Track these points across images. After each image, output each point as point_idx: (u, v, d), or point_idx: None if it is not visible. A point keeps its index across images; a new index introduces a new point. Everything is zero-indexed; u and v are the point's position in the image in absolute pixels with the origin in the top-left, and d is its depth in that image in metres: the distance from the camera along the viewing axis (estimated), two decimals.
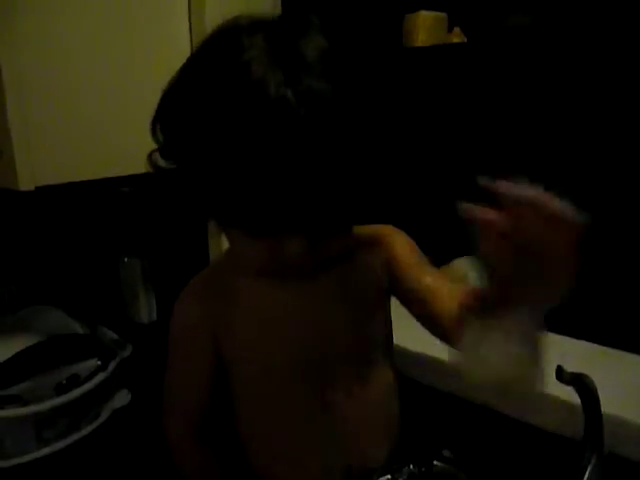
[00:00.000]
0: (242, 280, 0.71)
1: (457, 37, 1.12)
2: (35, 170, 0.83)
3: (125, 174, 0.87)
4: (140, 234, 1.27)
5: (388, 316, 0.76)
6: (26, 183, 0.82)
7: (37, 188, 0.83)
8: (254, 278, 0.69)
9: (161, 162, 0.62)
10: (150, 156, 0.62)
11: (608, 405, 0.64)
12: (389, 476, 0.65)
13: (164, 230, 1.22)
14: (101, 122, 0.90)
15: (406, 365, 0.86)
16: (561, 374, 0.58)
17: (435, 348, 0.80)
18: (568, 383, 0.59)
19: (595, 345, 0.85)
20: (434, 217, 1.22)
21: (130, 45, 0.91)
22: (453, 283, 0.71)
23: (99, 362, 1.07)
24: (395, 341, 0.78)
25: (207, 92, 0.54)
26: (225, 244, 0.71)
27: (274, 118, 0.50)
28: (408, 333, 0.82)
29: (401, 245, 0.74)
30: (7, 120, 0.79)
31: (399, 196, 1.23)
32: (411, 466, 0.65)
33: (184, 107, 0.57)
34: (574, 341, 0.87)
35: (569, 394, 0.70)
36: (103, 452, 1.00)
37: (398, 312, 0.75)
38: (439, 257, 1.13)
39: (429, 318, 0.69)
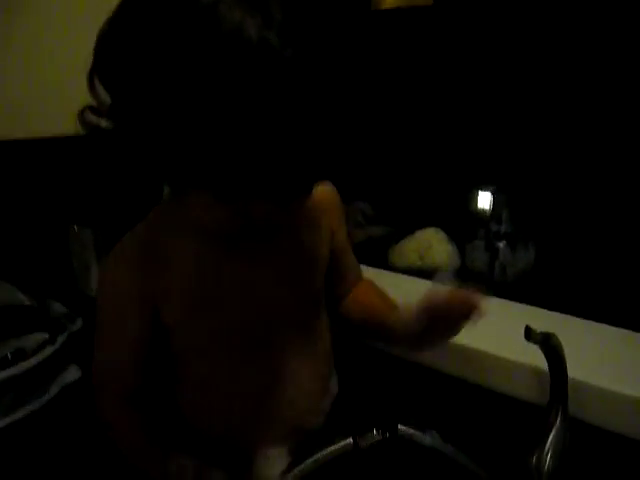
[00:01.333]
0: (182, 242, 0.66)
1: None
2: None
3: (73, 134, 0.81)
4: (91, 201, 1.22)
5: (323, 277, 0.76)
6: None
7: None
8: (196, 240, 0.65)
9: (100, 121, 0.55)
10: (83, 115, 0.55)
11: (571, 371, 0.63)
12: (351, 440, 0.63)
13: (117, 197, 1.17)
14: (48, 80, 0.85)
15: None
16: (530, 334, 0.57)
17: None
18: (536, 342, 0.57)
19: (558, 313, 0.85)
20: (400, 185, 1.21)
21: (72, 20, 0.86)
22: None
23: (47, 336, 1.01)
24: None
25: (167, 33, 0.47)
26: None
27: (257, 63, 0.45)
28: None
29: (340, 219, 0.78)
30: None
31: (365, 162, 1.21)
32: (374, 431, 0.63)
33: (135, 52, 0.49)
34: (537, 309, 0.86)
35: (533, 358, 0.70)
36: (52, 429, 0.96)
37: None
38: (406, 225, 1.14)
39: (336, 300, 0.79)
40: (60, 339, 1.02)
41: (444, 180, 1.16)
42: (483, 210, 1.10)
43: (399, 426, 0.63)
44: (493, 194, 1.06)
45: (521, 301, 0.92)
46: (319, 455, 0.62)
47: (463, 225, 1.08)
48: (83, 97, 0.57)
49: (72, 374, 1.04)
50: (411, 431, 0.62)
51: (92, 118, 0.55)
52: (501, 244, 1.01)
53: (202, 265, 0.66)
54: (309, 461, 0.62)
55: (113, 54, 0.51)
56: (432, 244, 1.02)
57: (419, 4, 1.09)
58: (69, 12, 0.88)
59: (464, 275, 1.04)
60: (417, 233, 1.07)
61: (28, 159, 1.17)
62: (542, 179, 1.07)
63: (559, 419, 0.64)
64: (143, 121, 0.51)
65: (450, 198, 1.14)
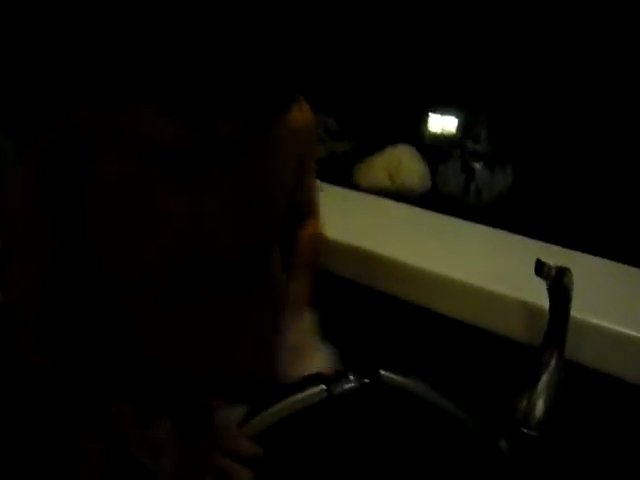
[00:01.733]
0: (113, 153, 0.54)
1: None
2: None
3: None
4: (9, 104, 1.04)
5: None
6: None
7: None
8: (132, 154, 0.54)
9: None
10: None
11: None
12: (323, 386, 0.54)
13: (39, 98, 1.01)
14: None
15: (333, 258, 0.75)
16: (542, 268, 0.49)
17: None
18: (548, 278, 0.49)
19: (549, 244, 0.78)
20: (367, 97, 1.10)
21: None
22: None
23: None
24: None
25: None
26: None
27: None
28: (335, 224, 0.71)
29: (313, 148, 0.71)
30: None
31: (328, 71, 1.09)
32: (351, 376, 0.54)
33: None
34: (528, 240, 0.79)
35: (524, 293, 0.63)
36: None
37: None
38: (373, 141, 1.03)
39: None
40: None
41: (415, 93, 1.04)
42: (457, 128, 1.01)
43: (381, 371, 0.54)
44: (470, 111, 0.97)
45: (497, 227, 0.84)
46: (283, 404, 0.54)
47: (434, 143, 0.98)
48: None
49: None
50: (393, 377, 0.54)
51: None
52: (478, 165, 0.92)
53: (134, 185, 0.54)
54: (271, 410, 0.53)
55: None
56: (403, 162, 0.92)
57: None
58: None
59: (435, 197, 0.96)
60: (387, 149, 0.96)
61: None
62: (521, 97, 0.97)
63: (554, 360, 0.57)
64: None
65: (422, 113, 1.03)
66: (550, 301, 0.54)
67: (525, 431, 0.58)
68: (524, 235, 0.82)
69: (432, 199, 0.96)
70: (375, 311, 0.73)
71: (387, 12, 1.06)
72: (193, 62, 0.47)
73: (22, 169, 0.57)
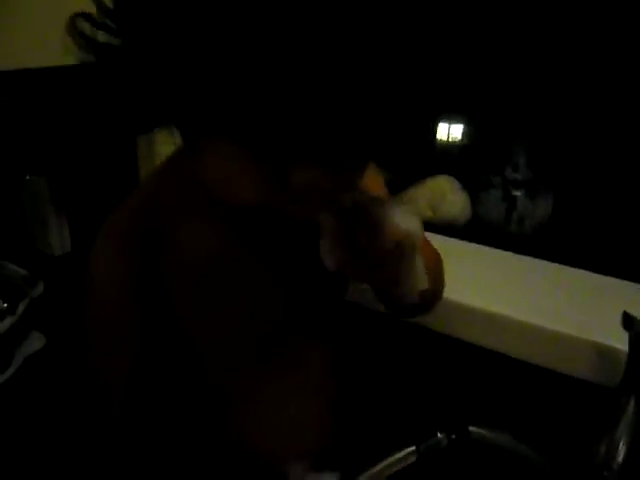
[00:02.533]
0: (192, 227, 0.53)
1: None
2: None
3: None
4: (43, 148, 1.07)
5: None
6: None
7: None
8: (211, 224, 0.53)
9: (102, 37, 0.43)
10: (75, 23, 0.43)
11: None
12: (413, 447, 0.54)
13: (72, 142, 1.03)
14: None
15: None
16: (630, 322, 0.49)
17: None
18: (635, 331, 0.50)
19: (586, 272, 0.78)
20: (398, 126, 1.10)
21: None
22: None
23: (5, 305, 0.91)
24: None
25: None
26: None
27: None
28: None
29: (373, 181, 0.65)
30: None
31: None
32: (439, 434, 0.55)
33: None
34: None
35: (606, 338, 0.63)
36: (18, 401, 0.89)
37: None
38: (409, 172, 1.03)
39: None
40: (21, 307, 0.92)
41: (457, 122, 1.05)
42: (498, 156, 1.01)
43: (470, 427, 0.55)
44: (510, 141, 0.97)
45: (539, 256, 0.85)
46: (377, 468, 0.54)
47: (476, 172, 0.99)
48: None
49: (35, 343, 0.96)
50: (486, 432, 0.54)
51: (86, 27, 0.42)
52: (519, 193, 0.93)
53: (214, 250, 0.53)
54: (366, 475, 0.53)
55: None
56: (446, 194, 0.92)
57: None
58: None
59: (476, 227, 0.96)
60: (428, 181, 0.96)
61: None
62: (559, 125, 0.98)
63: (632, 404, 0.57)
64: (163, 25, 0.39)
65: (462, 144, 1.04)
66: (630, 349, 0.54)
67: (606, 475, 0.58)
68: (569, 264, 0.82)
69: (473, 229, 0.97)
70: (440, 354, 0.74)
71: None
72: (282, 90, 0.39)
73: (100, 252, 0.53)
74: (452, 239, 0.91)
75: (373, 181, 0.64)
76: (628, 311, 0.49)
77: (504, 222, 0.93)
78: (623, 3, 0.89)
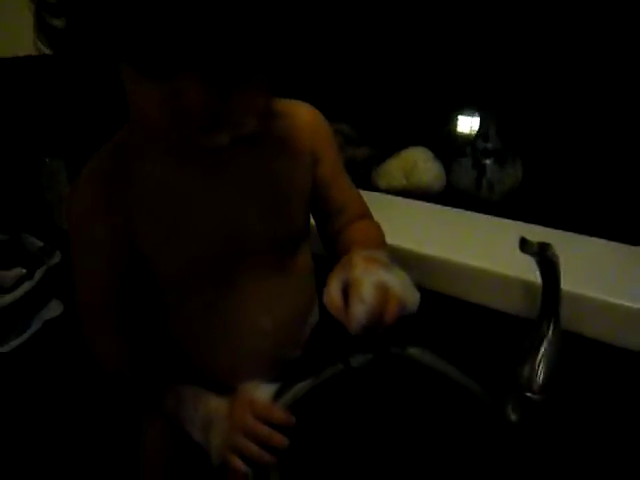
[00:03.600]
0: (146, 164, 0.62)
1: None
2: None
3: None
4: (62, 132, 1.16)
5: (307, 210, 0.72)
6: None
7: None
8: (159, 159, 0.62)
9: (56, 22, 0.52)
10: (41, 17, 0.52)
11: (565, 283, 0.62)
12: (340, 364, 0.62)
13: (88, 127, 1.12)
14: None
15: None
16: (525, 245, 0.55)
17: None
18: (532, 253, 0.56)
19: (551, 229, 0.84)
20: (382, 104, 1.17)
21: None
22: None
23: (24, 270, 0.99)
24: None
25: None
26: None
27: None
28: None
29: (327, 146, 0.72)
30: None
31: (345, 81, 1.17)
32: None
33: None
34: (531, 226, 0.85)
35: (524, 272, 0.69)
36: (35, 364, 0.95)
37: None
38: (390, 145, 1.10)
39: (326, 237, 0.76)
40: (38, 274, 1.00)
41: (428, 98, 1.12)
42: (469, 128, 1.07)
43: (392, 348, 0.62)
44: (479, 111, 1.03)
45: (509, 218, 0.90)
46: (310, 380, 0.61)
47: (449, 144, 1.05)
48: None
49: (54, 309, 1.04)
50: (408, 350, 0.61)
51: (51, 20, 0.52)
52: (488, 161, 0.98)
53: (167, 186, 0.62)
54: (300, 385, 0.61)
55: None
56: (417, 163, 0.99)
57: None
58: None
59: (450, 194, 1.02)
60: (402, 152, 1.03)
61: None
62: (527, 94, 1.03)
63: (551, 330, 0.63)
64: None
65: (435, 117, 1.10)
66: (541, 275, 0.60)
67: (529, 395, 0.64)
68: (534, 223, 0.88)
69: (448, 196, 1.03)
70: None
71: (395, 19, 1.14)
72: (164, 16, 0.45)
73: (79, 190, 0.64)
74: (427, 204, 0.98)
75: (331, 148, 0.72)
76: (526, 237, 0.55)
77: (475, 189, 0.99)
78: None
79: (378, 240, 0.73)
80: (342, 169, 0.74)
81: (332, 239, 0.75)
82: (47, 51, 0.56)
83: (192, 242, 0.63)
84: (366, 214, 0.76)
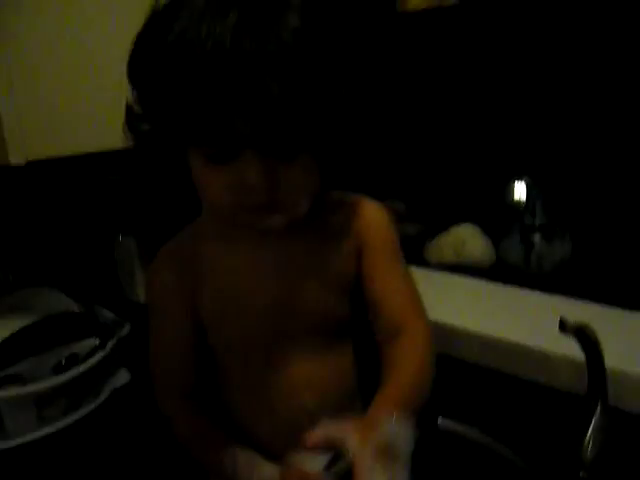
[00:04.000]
0: (207, 246, 0.72)
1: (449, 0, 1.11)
2: (26, 143, 0.81)
3: (118, 147, 0.85)
4: (135, 212, 1.26)
5: (351, 297, 0.73)
6: (17, 157, 0.81)
7: (28, 162, 0.82)
8: (220, 241, 0.71)
9: (142, 126, 0.63)
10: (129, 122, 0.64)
11: (610, 360, 0.64)
12: None
13: (159, 208, 1.21)
14: (93, 96, 0.88)
15: None
16: (565, 325, 0.58)
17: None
18: (571, 333, 0.58)
19: (594, 304, 0.85)
20: (432, 182, 1.22)
21: (114, 26, 0.89)
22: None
23: (97, 341, 1.06)
24: None
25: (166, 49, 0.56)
26: None
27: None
28: None
29: (377, 233, 0.72)
30: None
31: (397, 160, 1.23)
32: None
33: (147, 57, 0.59)
34: (574, 301, 0.87)
35: (572, 349, 0.70)
36: (104, 431, 0.99)
37: None
38: (440, 221, 1.15)
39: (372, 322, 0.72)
40: (110, 344, 1.06)
41: (476, 175, 1.17)
42: (517, 202, 1.10)
43: (439, 419, 0.64)
44: (526, 186, 1.07)
45: (558, 293, 0.92)
46: None
47: (497, 219, 1.08)
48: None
49: (122, 378, 1.09)
50: (452, 424, 0.63)
51: (136, 123, 0.63)
52: (536, 236, 1.01)
53: (224, 264, 0.70)
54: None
55: (136, 66, 0.61)
56: (466, 239, 1.03)
57: (445, 4, 1.10)
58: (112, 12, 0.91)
59: (500, 270, 1.05)
60: (452, 229, 1.08)
61: (76, 173, 1.21)
62: (575, 169, 1.06)
63: (599, 409, 0.64)
64: (154, 103, 0.60)
65: (483, 192, 1.15)
66: (584, 354, 0.62)
67: (579, 474, 0.65)
68: (584, 299, 0.89)
69: (498, 271, 1.05)
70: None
71: (445, 102, 1.20)
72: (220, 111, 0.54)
73: (157, 268, 0.74)
74: (476, 279, 1.01)
75: (381, 238, 0.73)
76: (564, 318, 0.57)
77: (524, 264, 1.02)
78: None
79: (409, 381, 0.66)
80: (394, 268, 0.73)
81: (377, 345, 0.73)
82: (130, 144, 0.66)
83: (244, 317, 0.70)
84: (407, 322, 0.70)
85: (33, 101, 0.83)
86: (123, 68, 0.62)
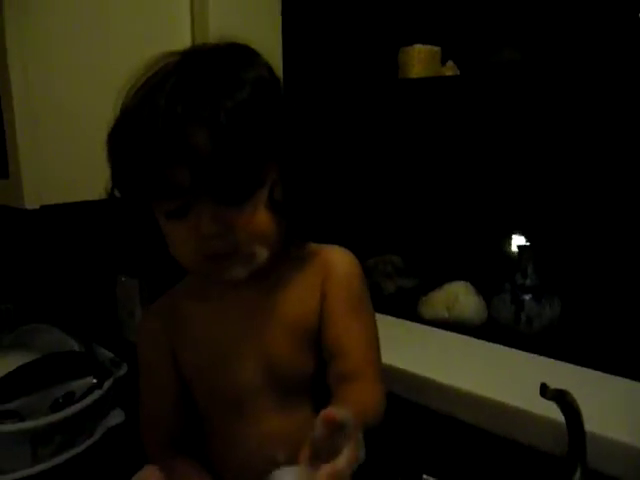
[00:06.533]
0: (184, 302, 0.77)
1: (450, 70, 1.17)
2: (41, 189, 0.85)
3: None
4: (137, 254, 1.27)
5: (317, 351, 0.73)
6: (32, 201, 0.84)
7: (42, 207, 0.86)
8: (192, 297, 0.76)
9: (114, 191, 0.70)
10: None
11: (590, 423, 0.67)
12: None
13: (161, 250, 1.24)
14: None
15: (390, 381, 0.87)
16: (545, 391, 0.60)
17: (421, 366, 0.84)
18: (551, 399, 0.61)
19: (580, 367, 0.88)
20: (429, 238, 1.26)
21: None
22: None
23: (95, 380, 1.08)
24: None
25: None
26: None
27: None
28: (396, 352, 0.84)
29: (340, 281, 0.73)
30: (17, 144, 0.83)
31: (396, 217, 1.26)
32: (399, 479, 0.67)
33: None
34: (562, 363, 0.90)
35: (554, 412, 0.73)
36: (97, 469, 1.01)
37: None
38: (435, 277, 1.18)
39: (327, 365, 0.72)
40: (107, 384, 1.08)
41: (471, 232, 1.21)
42: (511, 259, 1.14)
43: (424, 476, 0.66)
44: (519, 247, 1.11)
45: (546, 354, 0.94)
46: None
47: (490, 277, 1.12)
48: None
49: (116, 417, 1.10)
50: None
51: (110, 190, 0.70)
52: (527, 297, 1.04)
53: (197, 322, 0.75)
54: None
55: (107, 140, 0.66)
56: (459, 297, 1.06)
57: (446, 74, 1.15)
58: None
59: (491, 327, 1.08)
60: (445, 286, 1.11)
61: (80, 218, 1.25)
62: (568, 233, 1.10)
63: (579, 471, 0.66)
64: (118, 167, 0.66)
65: (477, 249, 1.19)
66: (564, 418, 0.64)
67: None
68: (572, 362, 0.92)
69: (489, 329, 1.08)
70: (415, 423, 0.86)
71: (442, 161, 1.24)
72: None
73: (146, 319, 0.81)
74: (466, 337, 1.04)
75: (343, 286, 0.73)
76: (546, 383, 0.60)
77: (514, 323, 1.05)
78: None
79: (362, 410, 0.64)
80: (354, 315, 0.72)
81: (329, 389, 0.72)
82: None
83: (215, 369, 0.73)
84: (365, 373, 0.70)
85: (51, 151, 0.87)
86: None
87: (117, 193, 0.68)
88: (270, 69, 0.67)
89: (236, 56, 0.65)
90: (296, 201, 0.66)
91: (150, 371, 0.78)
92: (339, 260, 0.74)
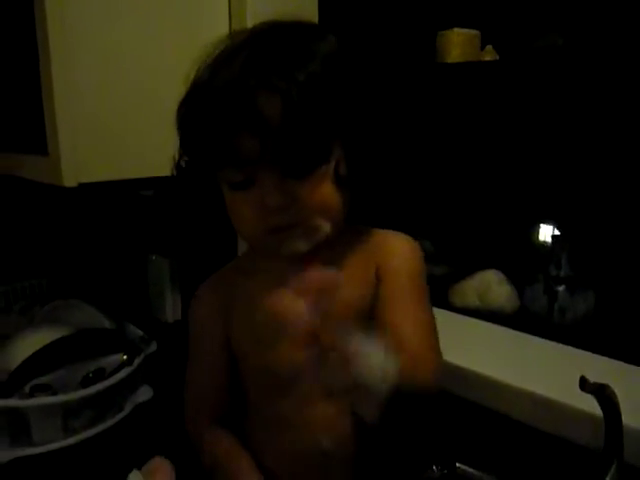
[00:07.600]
0: (240, 278, 0.77)
1: (489, 55, 1.15)
2: (79, 168, 0.86)
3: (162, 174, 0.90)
4: (168, 233, 1.30)
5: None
6: (70, 180, 0.85)
7: (80, 185, 0.86)
8: (248, 274, 0.76)
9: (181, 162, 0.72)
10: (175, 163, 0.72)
11: (628, 418, 0.65)
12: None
13: (192, 230, 1.25)
14: (143, 123, 0.93)
15: None
16: (584, 384, 0.60)
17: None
18: (591, 392, 0.60)
19: (616, 361, 0.87)
20: (462, 224, 1.25)
21: (169, 52, 0.94)
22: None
23: (125, 357, 1.10)
24: None
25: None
26: None
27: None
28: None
29: (399, 263, 0.72)
30: (56, 123, 0.83)
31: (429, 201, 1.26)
32: (434, 467, 0.66)
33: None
34: (596, 356, 0.88)
35: (591, 405, 0.72)
36: (125, 445, 1.02)
37: None
38: (466, 265, 1.17)
39: None
40: (136, 361, 1.10)
41: (503, 219, 1.19)
42: (544, 248, 1.12)
43: (457, 464, 0.66)
44: (552, 237, 1.09)
45: (579, 346, 0.93)
46: None
47: (523, 267, 1.10)
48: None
49: (145, 394, 1.12)
50: (470, 470, 0.65)
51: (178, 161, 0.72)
52: (560, 288, 1.03)
53: (253, 297, 0.71)
54: None
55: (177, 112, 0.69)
56: (491, 285, 1.05)
57: (485, 59, 1.14)
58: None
59: (523, 317, 1.07)
60: (477, 274, 1.10)
61: (114, 197, 1.27)
62: (603, 223, 1.08)
63: (614, 466, 0.65)
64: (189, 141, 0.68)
65: (511, 238, 1.17)
66: (602, 412, 0.63)
67: None
68: (605, 354, 0.90)
69: (521, 318, 1.07)
70: (452, 412, 0.85)
71: (476, 144, 1.23)
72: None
73: (199, 297, 0.81)
74: (497, 326, 1.03)
75: (401, 273, 0.72)
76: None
77: (547, 314, 1.04)
78: None
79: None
80: (411, 298, 0.71)
81: None
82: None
83: (264, 348, 0.72)
84: (418, 352, 0.67)
85: (89, 129, 0.87)
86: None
87: (183, 163, 0.70)
88: (339, 45, 0.67)
89: (306, 30, 0.67)
90: (360, 178, 0.67)
91: (203, 346, 0.79)
92: (399, 241, 0.74)
